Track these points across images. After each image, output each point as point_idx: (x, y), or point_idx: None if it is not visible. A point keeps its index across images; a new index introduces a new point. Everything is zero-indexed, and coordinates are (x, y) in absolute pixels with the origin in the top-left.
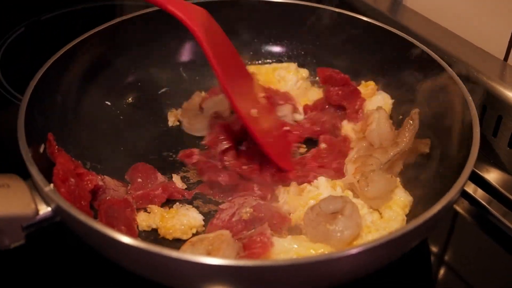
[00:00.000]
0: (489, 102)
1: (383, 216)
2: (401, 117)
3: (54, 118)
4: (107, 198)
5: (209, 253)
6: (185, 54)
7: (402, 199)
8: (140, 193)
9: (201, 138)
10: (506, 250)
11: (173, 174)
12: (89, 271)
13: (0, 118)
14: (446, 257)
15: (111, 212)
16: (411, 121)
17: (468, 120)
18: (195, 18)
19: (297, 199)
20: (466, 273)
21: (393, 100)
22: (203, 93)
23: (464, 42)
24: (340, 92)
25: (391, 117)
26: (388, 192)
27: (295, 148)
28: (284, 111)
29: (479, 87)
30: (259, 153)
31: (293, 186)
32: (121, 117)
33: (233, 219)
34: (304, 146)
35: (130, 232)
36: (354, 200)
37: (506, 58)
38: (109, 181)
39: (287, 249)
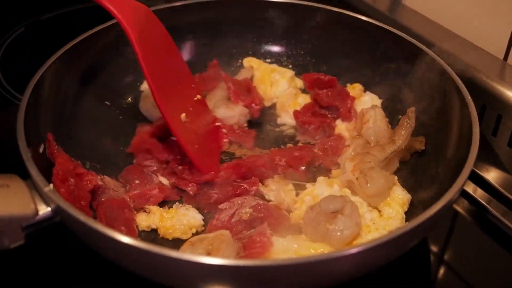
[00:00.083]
0: (489, 102)
1: (382, 214)
2: (400, 116)
3: (53, 118)
4: (106, 198)
5: (209, 253)
6: (184, 54)
7: (400, 196)
8: (136, 192)
9: None
10: (506, 249)
11: (158, 175)
12: (88, 271)
13: (0, 118)
14: (446, 257)
15: (110, 213)
16: (407, 119)
17: (467, 120)
18: (130, 14)
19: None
20: (466, 273)
21: (381, 100)
22: None
23: (463, 42)
24: (329, 93)
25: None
26: (387, 190)
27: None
28: (234, 112)
29: (479, 87)
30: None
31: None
32: (121, 117)
33: (233, 219)
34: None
35: (129, 233)
36: (353, 199)
37: (505, 57)
38: (109, 181)
39: (287, 248)
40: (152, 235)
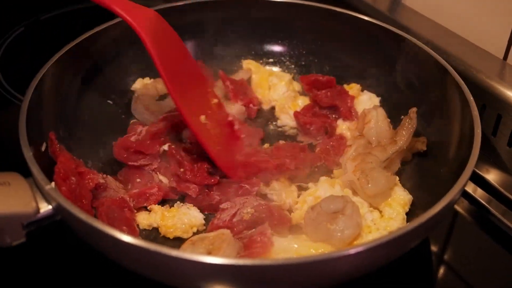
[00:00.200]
0: (489, 101)
1: (383, 214)
2: (402, 117)
3: (55, 116)
4: (105, 198)
5: (209, 252)
6: None
7: (401, 197)
8: (136, 191)
9: None
10: (506, 249)
11: (158, 173)
12: (89, 269)
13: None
14: (446, 257)
15: (111, 213)
16: (409, 120)
17: (469, 120)
18: (142, 21)
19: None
20: (466, 273)
21: (379, 98)
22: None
23: (463, 41)
24: (329, 94)
25: None
26: (388, 190)
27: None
28: (231, 110)
29: (479, 86)
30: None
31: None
32: (123, 116)
33: (234, 219)
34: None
35: (130, 232)
36: (354, 199)
37: (505, 57)
38: (111, 181)
39: (288, 248)
40: (153, 234)
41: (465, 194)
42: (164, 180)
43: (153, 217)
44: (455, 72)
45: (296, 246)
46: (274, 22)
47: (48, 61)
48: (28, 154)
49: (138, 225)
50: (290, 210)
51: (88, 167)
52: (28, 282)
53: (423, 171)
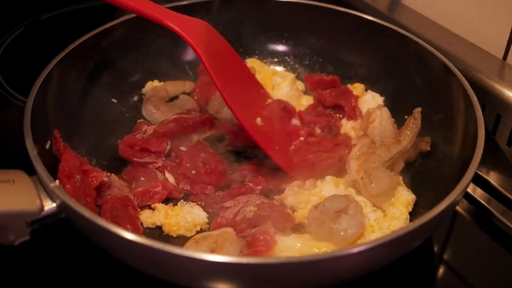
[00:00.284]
0: (488, 101)
1: (386, 214)
2: (406, 116)
3: (60, 114)
4: (109, 196)
5: (212, 251)
6: (191, 52)
7: (405, 196)
8: (140, 190)
9: None
10: (506, 249)
11: (165, 171)
12: (93, 267)
13: None
14: (446, 257)
15: (115, 211)
16: (413, 120)
17: (473, 120)
18: (194, 32)
19: (299, 194)
20: (466, 273)
21: (383, 98)
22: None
23: (463, 41)
24: (333, 93)
25: None
26: (391, 190)
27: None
28: None
29: (478, 86)
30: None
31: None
32: (127, 115)
33: (237, 218)
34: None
35: (134, 230)
36: (357, 198)
37: (505, 57)
38: (115, 179)
39: (291, 247)
40: (156, 232)
41: (465, 194)
42: (170, 178)
43: (156, 215)
44: (459, 73)
45: (299, 245)
46: (279, 22)
47: (52, 59)
48: (32, 152)
49: (141, 223)
50: (293, 209)
51: (92, 165)
52: (33, 280)
53: (427, 171)
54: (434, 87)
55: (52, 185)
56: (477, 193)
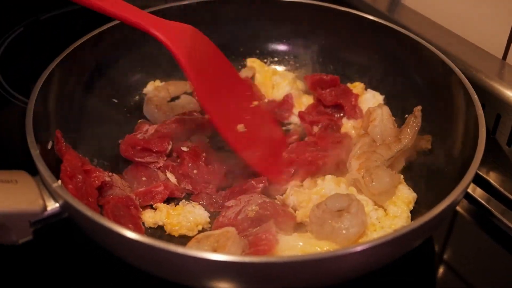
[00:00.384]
0: (488, 101)
1: (388, 212)
2: (407, 115)
3: (61, 115)
4: (111, 196)
5: (214, 250)
6: None
7: (406, 195)
8: (142, 190)
9: None
10: (506, 249)
11: (167, 171)
12: (95, 267)
13: None
14: (446, 257)
15: (117, 211)
16: (414, 118)
17: (473, 119)
18: (177, 39)
19: (301, 194)
20: (466, 273)
21: (383, 96)
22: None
23: (462, 41)
24: (333, 93)
25: None
26: (392, 188)
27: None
28: None
29: (478, 86)
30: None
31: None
32: (128, 115)
33: (239, 217)
34: None
35: (136, 230)
36: (359, 197)
37: (504, 57)
38: (116, 179)
39: (292, 246)
40: (158, 231)
41: (465, 194)
42: (172, 178)
43: (158, 215)
44: (460, 72)
45: (301, 244)
46: (279, 22)
47: (53, 59)
48: (35, 152)
49: (143, 223)
50: (294, 208)
51: (94, 165)
52: (35, 280)
53: (427, 170)
54: (435, 85)
55: (55, 185)
56: (477, 193)
